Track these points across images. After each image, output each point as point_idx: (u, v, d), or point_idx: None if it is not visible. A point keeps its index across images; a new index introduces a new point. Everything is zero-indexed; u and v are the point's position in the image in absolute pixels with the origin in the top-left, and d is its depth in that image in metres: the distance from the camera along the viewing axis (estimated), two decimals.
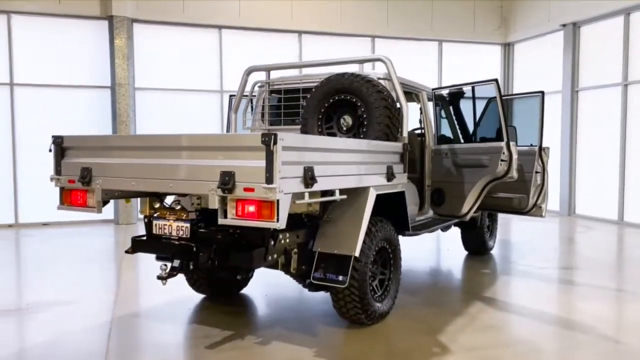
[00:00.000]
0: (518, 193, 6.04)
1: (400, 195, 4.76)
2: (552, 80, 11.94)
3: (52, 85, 10.29)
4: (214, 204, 3.38)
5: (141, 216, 4.31)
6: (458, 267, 6.97)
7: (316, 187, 3.56)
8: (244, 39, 11.45)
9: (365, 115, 4.70)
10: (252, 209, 3.32)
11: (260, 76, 5.80)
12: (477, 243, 7.36)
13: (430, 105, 6.03)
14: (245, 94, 5.81)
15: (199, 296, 5.28)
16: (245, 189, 3.27)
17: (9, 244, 8.63)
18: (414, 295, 5.46)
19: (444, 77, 12.94)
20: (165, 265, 3.91)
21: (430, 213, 5.92)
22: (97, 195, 3.94)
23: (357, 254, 4.07)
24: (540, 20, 12.38)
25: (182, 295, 5.28)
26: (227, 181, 3.30)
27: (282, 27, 11.60)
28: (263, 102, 5.74)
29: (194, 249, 3.89)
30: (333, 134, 4.98)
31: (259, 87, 5.82)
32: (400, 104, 4.85)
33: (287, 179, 3.29)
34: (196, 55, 11.18)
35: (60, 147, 4.10)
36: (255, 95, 5.92)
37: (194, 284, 5.12)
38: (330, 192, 3.87)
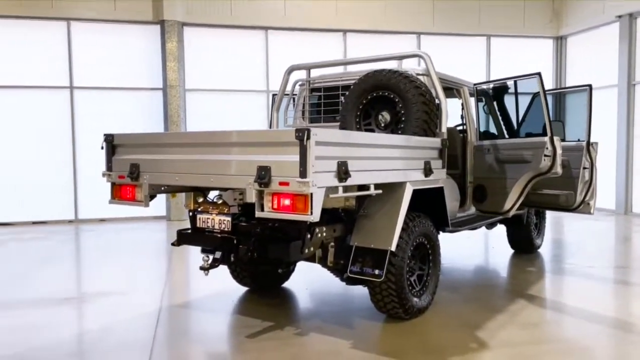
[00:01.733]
0: (565, 190, 5.88)
1: (439, 191, 4.75)
2: (607, 74, 11.48)
3: (108, 87, 10.82)
4: (251, 197, 3.51)
5: None
6: (502, 265, 6.85)
7: (350, 182, 3.63)
8: (289, 39, 11.64)
9: (403, 112, 4.73)
10: (287, 202, 3.42)
11: (302, 75, 5.91)
12: (523, 241, 7.20)
13: (472, 101, 5.96)
14: (286, 93, 5.94)
15: (243, 289, 5.46)
16: (281, 183, 3.38)
17: (69, 238, 9.15)
18: (455, 292, 5.43)
19: (492, 73, 12.67)
20: (208, 256, 4.08)
21: (472, 210, 5.86)
22: (144, 190, 4.16)
23: (393, 248, 4.11)
24: (594, 11, 11.92)
25: (227, 287, 5.47)
26: (263, 176, 3.42)
27: (327, 26, 11.71)
28: (303, 100, 5.85)
29: (235, 241, 4.04)
30: (371, 131, 5.02)
31: (300, 85, 5.94)
32: (439, 100, 4.84)
33: (321, 173, 3.38)
34: (243, 56, 11.47)
35: (111, 144, 4.36)
36: (296, 95, 6.04)
37: (238, 276, 5.29)
38: (366, 187, 3.92)
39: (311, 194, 3.30)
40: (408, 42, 12.19)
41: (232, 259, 4.06)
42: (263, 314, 4.71)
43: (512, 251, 7.45)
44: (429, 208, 4.75)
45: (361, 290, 5.34)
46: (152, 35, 10.96)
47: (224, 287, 5.51)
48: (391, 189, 4.23)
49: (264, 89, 11.60)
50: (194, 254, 7.22)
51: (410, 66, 5.32)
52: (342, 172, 3.53)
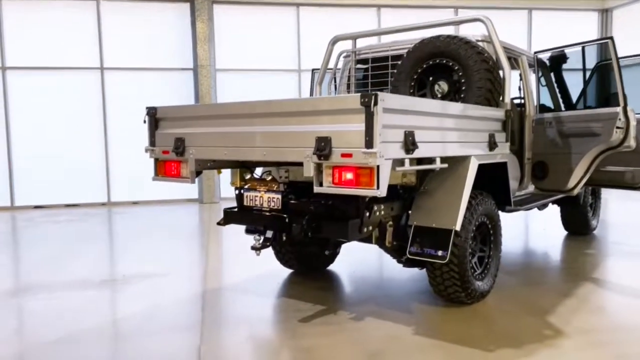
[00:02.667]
0: (632, 166, 5.45)
1: (502, 167, 4.39)
2: None
3: (138, 68, 10.62)
4: (309, 171, 3.22)
5: (224, 195, 4.25)
6: (557, 247, 6.46)
7: (417, 154, 3.31)
8: (321, 16, 11.25)
9: (463, 80, 4.36)
10: (349, 176, 3.12)
11: (346, 46, 5.57)
12: (578, 222, 6.79)
13: (531, 72, 5.54)
14: (329, 68, 5.61)
15: (287, 271, 5.21)
16: (343, 155, 3.08)
17: (103, 220, 9.04)
18: (514, 275, 5.08)
19: (533, 48, 12.09)
20: (260, 236, 3.81)
21: (531, 188, 5.48)
22: (190, 166, 3.90)
23: (458, 227, 3.79)
24: None
25: (269, 270, 5.23)
26: (323, 147, 3.13)
27: (360, 1, 11.28)
28: (349, 73, 5.52)
29: (286, 220, 3.77)
30: None
31: (344, 57, 5.59)
32: (502, 67, 4.46)
33: (388, 144, 3.06)
34: (274, 34, 11.14)
35: (154, 118, 4.10)
36: (339, 69, 5.71)
37: (283, 258, 5.04)
38: (430, 161, 3.60)
39: (378, 166, 3.00)
40: (445, 17, 11.66)
41: (284, 238, 3.79)
42: (312, 297, 4.45)
43: (564, 233, 7.04)
44: (490, 186, 4.40)
45: (413, 273, 5.04)
46: (181, 14, 10.70)
47: (266, 269, 5.27)
48: (455, 164, 3.90)
49: (295, 68, 11.28)
50: (231, 237, 7.00)
51: (467, 32, 4.93)
52: (410, 142, 3.21)
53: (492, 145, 4.20)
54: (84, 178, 10.57)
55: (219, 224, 4.29)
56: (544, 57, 5.63)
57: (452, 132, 3.72)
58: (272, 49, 11.14)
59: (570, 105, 5.69)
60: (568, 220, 6.90)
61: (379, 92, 2.95)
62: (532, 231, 7.54)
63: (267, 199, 4.00)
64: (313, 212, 3.74)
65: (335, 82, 5.81)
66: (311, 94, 5.87)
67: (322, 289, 4.70)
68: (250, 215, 4.05)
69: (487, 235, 4.37)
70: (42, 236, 7.60)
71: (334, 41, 5.43)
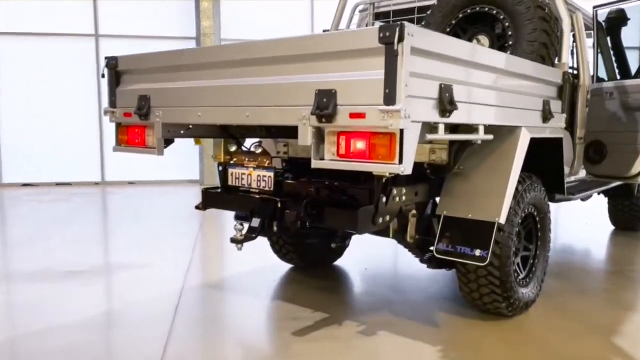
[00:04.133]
0: None
1: (557, 144, 3.47)
2: None
3: (137, 36, 9.75)
4: (305, 139, 2.34)
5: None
6: (605, 245, 5.52)
7: (455, 118, 2.40)
8: None
9: (510, 33, 3.43)
10: (361, 145, 2.24)
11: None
12: (629, 217, 5.83)
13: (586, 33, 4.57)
14: (340, 29, 4.69)
15: (286, 266, 4.35)
16: (353, 115, 2.19)
17: (92, 201, 8.27)
18: (562, 279, 4.16)
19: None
20: (242, 224, 2.95)
21: (582, 174, 4.53)
22: (156, 132, 3.04)
23: (502, 220, 2.89)
24: None
25: (266, 263, 4.38)
26: (325, 104, 2.24)
27: None
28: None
29: (279, 204, 2.90)
30: None
31: (360, 11, 4.67)
32: (560, 17, 3.52)
33: (417, 99, 2.17)
34: (286, 1, 10.18)
35: (115, 71, 3.24)
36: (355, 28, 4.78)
37: (280, 251, 4.17)
38: (469, 130, 2.70)
39: (401, 130, 2.10)
40: None
41: (274, 228, 2.92)
42: (313, 301, 3.59)
43: (610, 228, 6.09)
44: (537, 167, 3.47)
45: (438, 272, 4.14)
46: None
47: (262, 262, 4.42)
48: (500, 136, 2.99)
49: None
50: (230, 222, 6.15)
51: None
52: (447, 100, 2.31)
53: (546, 115, 3.27)
54: (77, 155, 9.79)
55: (197, 207, 3.45)
56: (602, 14, 4.65)
57: (501, 93, 2.80)
58: (282, 16, 10.18)
59: (627, 75, 4.73)
60: (617, 214, 5.93)
61: (406, 23, 2.04)
62: (572, 225, 6.58)
63: (256, 177, 3.14)
64: (313, 196, 2.87)
65: None
66: None
67: (326, 291, 3.83)
68: (235, 197, 3.19)
69: (533, 229, 3.47)
70: (19, 216, 6.85)
71: None
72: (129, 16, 9.71)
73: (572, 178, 4.49)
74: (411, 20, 4.24)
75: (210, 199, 3.31)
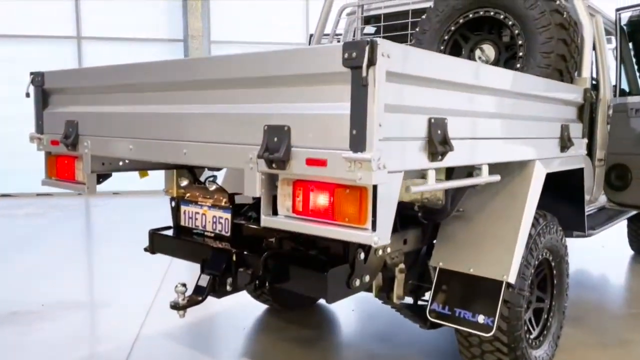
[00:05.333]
0: None
1: (577, 175, 2.89)
2: None
3: (121, 38, 9.21)
4: (253, 188, 1.78)
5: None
6: (625, 275, 4.93)
7: (450, 161, 1.83)
8: None
9: (521, 42, 2.84)
10: (322, 200, 1.67)
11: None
12: None
13: (608, 40, 3.98)
14: (326, 33, 4.14)
15: (260, 307, 3.79)
16: (310, 161, 1.63)
17: (70, 215, 7.74)
18: (576, 325, 3.57)
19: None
20: (185, 286, 2.38)
21: (601, 200, 3.94)
22: (85, 165, 2.48)
23: (511, 279, 2.31)
24: None
25: (238, 301, 3.81)
26: (275, 144, 1.68)
27: None
28: (354, 35, 4.03)
29: (234, 257, 2.34)
30: None
31: (348, 14, 4.10)
32: (581, 24, 2.93)
33: (396, 142, 1.60)
34: (279, 2, 9.60)
35: (42, 89, 2.69)
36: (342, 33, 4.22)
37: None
38: (469, 171, 2.13)
39: (375, 187, 1.54)
40: None
41: (228, 287, 2.36)
42: (291, 356, 3.03)
43: (629, 253, 5.49)
44: (551, 199, 2.89)
45: None
46: None
47: (234, 300, 3.85)
48: (509, 173, 2.41)
49: (302, 42, 9.74)
50: None
51: None
52: (439, 140, 1.73)
53: (565, 142, 2.69)
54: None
55: (146, 250, 2.89)
56: (625, 17, 4.05)
57: (510, 121, 2.22)
58: (277, 18, 9.61)
59: None
60: (637, 238, 5.34)
61: (379, 40, 1.47)
62: (585, 247, 5.97)
63: (211, 218, 2.59)
64: (275, 248, 2.31)
65: None
66: None
67: (303, 343, 3.27)
68: (184, 244, 2.63)
69: (548, 277, 2.90)
70: None
71: None
72: (113, 17, 9.17)
73: (591, 206, 3.92)
74: (405, 26, 3.68)
75: (159, 244, 2.75)
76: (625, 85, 4.36)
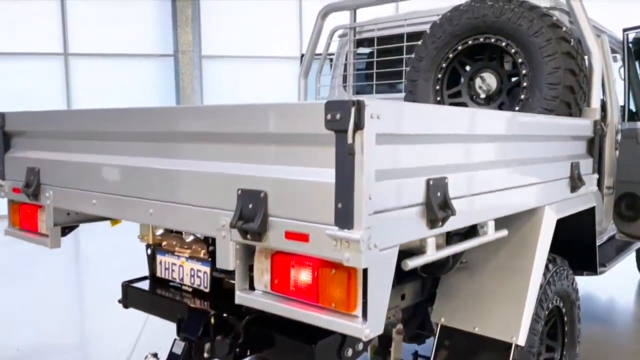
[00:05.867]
0: None
1: (588, 214, 2.67)
2: None
3: (109, 54, 8.99)
4: (226, 259, 1.55)
5: None
6: (635, 302, 4.70)
7: (452, 224, 1.60)
8: None
9: (525, 72, 2.62)
10: (305, 277, 1.44)
11: (343, 20, 3.85)
12: None
13: (614, 59, 3.78)
14: (317, 53, 3.92)
15: None
16: (290, 235, 1.40)
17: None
18: None
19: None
20: (157, 356, 2.13)
21: (610, 229, 3.72)
22: (48, 218, 2.25)
23: (521, 342, 2.08)
24: None
25: None
26: (250, 212, 1.46)
27: None
28: (346, 59, 3.81)
29: (212, 320, 2.10)
30: (460, 106, 2.95)
31: (340, 36, 3.88)
32: (589, 51, 2.72)
33: (391, 214, 1.36)
34: (272, 14, 9.40)
35: (2, 131, 2.46)
36: (335, 54, 4.01)
37: None
38: (474, 230, 1.90)
39: (365, 270, 1.31)
40: None
41: (205, 354, 2.12)
42: None
43: (636, 277, 5.27)
44: (562, 240, 2.67)
45: None
46: None
47: None
48: (516, 223, 2.19)
49: (296, 55, 9.53)
50: None
51: None
52: (439, 203, 1.51)
53: (575, 182, 2.46)
54: None
55: (119, 301, 2.65)
56: (632, 37, 3.84)
57: (516, 168, 1.99)
58: (269, 31, 9.41)
59: None
60: None
61: (367, 100, 1.25)
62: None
63: (189, 270, 2.35)
64: (257, 313, 2.07)
65: (332, 70, 4.10)
66: (298, 89, 4.17)
67: None
68: (159, 300, 2.39)
69: (558, 324, 2.67)
70: None
71: (325, 13, 3.74)
72: (101, 32, 8.96)
73: (600, 238, 3.69)
74: (400, 50, 3.46)
75: (133, 298, 2.51)
76: (633, 106, 4.15)
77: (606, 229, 3.66)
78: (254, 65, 9.37)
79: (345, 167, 1.26)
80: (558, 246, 2.58)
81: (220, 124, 1.57)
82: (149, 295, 2.45)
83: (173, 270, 2.43)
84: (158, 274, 2.50)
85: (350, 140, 1.23)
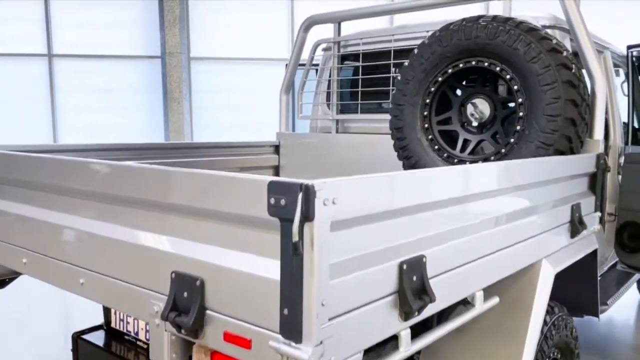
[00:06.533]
0: None
1: (589, 258, 2.42)
2: None
3: (94, 55, 8.69)
4: (159, 350, 1.30)
5: None
6: (636, 325, 4.46)
7: (431, 310, 1.34)
8: None
9: (521, 100, 2.36)
10: None
11: (327, 33, 3.57)
12: None
13: (617, 76, 3.52)
14: (301, 63, 3.66)
15: None
16: (229, 337, 1.15)
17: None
18: None
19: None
20: None
21: (610, 258, 3.47)
22: None
23: None
24: None
25: None
26: (185, 302, 1.21)
27: None
28: (329, 75, 3.55)
29: None
30: (450, 134, 2.69)
31: (324, 50, 3.62)
32: (592, 76, 2.46)
33: (351, 315, 1.11)
34: (263, 15, 9.10)
35: None
36: (317, 66, 3.74)
37: None
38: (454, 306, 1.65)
39: None
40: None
41: None
42: None
43: (635, 298, 5.03)
44: (559, 285, 2.42)
45: None
46: None
47: None
48: (507, 281, 1.93)
49: (288, 57, 9.23)
50: None
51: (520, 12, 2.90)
52: (414, 290, 1.25)
53: (576, 227, 2.21)
54: None
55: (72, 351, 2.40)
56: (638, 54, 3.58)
57: (508, 225, 1.74)
58: (260, 32, 9.11)
59: None
60: None
61: (317, 183, 0.99)
62: None
63: (144, 325, 2.10)
64: None
65: (315, 86, 3.84)
66: (279, 108, 3.90)
67: None
68: (114, 357, 2.15)
69: None
70: None
71: (307, 25, 3.48)
72: (87, 33, 8.65)
73: (601, 269, 3.45)
74: (387, 67, 3.20)
75: (84, 351, 2.26)
76: (637, 124, 3.90)
77: (607, 258, 3.41)
78: (244, 67, 9.08)
79: (291, 266, 1.01)
80: (555, 292, 2.33)
81: (152, 190, 1.31)
82: (102, 352, 2.20)
83: (128, 323, 2.18)
84: (112, 325, 2.25)
85: (296, 238, 0.97)
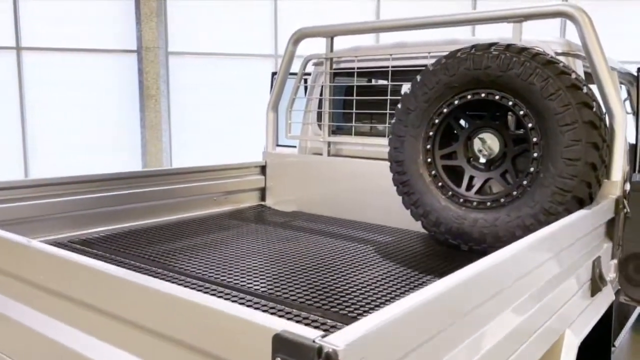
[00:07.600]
0: None
1: (606, 310, 2.25)
2: None
3: (66, 49, 8.26)
4: None
5: None
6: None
7: None
8: None
9: (536, 139, 2.15)
10: None
11: (318, 48, 3.30)
12: None
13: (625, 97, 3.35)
14: (292, 72, 3.40)
15: None
16: None
17: None
18: None
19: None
20: None
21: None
22: None
23: None
24: None
25: None
26: None
27: None
28: (320, 92, 3.29)
29: None
30: (454, 170, 2.47)
31: (315, 65, 3.35)
32: (611, 111, 2.26)
33: None
34: (245, 8, 8.75)
35: None
36: (309, 81, 3.48)
37: None
38: None
39: None
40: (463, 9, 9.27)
41: None
42: None
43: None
44: None
45: None
46: None
47: None
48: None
49: (270, 53, 8.94)
50: None
51: (531, 37, 2.67)
52: None
53: (597, 283, 2.03)
54: None
55: None
56: None
57: (529, 304, 1.53)
58: (242, 26, 8.77)
59: None
60: None
61: (336, 344, 0.75)
62: None
63: None
64: None
65: (305, 104, 3.57)
66: (266, 124, 3.62)
67: None
68: None
69: None
70: None
71: (297, 38, 3.21)
72: (58, 25, 8.21)
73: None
74: (383, 89, 2.96)
75: None
76: None
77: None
78: (225, 63, 8.74)
79: None
80: None
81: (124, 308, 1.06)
82: None
83: None
84: None
85: None
